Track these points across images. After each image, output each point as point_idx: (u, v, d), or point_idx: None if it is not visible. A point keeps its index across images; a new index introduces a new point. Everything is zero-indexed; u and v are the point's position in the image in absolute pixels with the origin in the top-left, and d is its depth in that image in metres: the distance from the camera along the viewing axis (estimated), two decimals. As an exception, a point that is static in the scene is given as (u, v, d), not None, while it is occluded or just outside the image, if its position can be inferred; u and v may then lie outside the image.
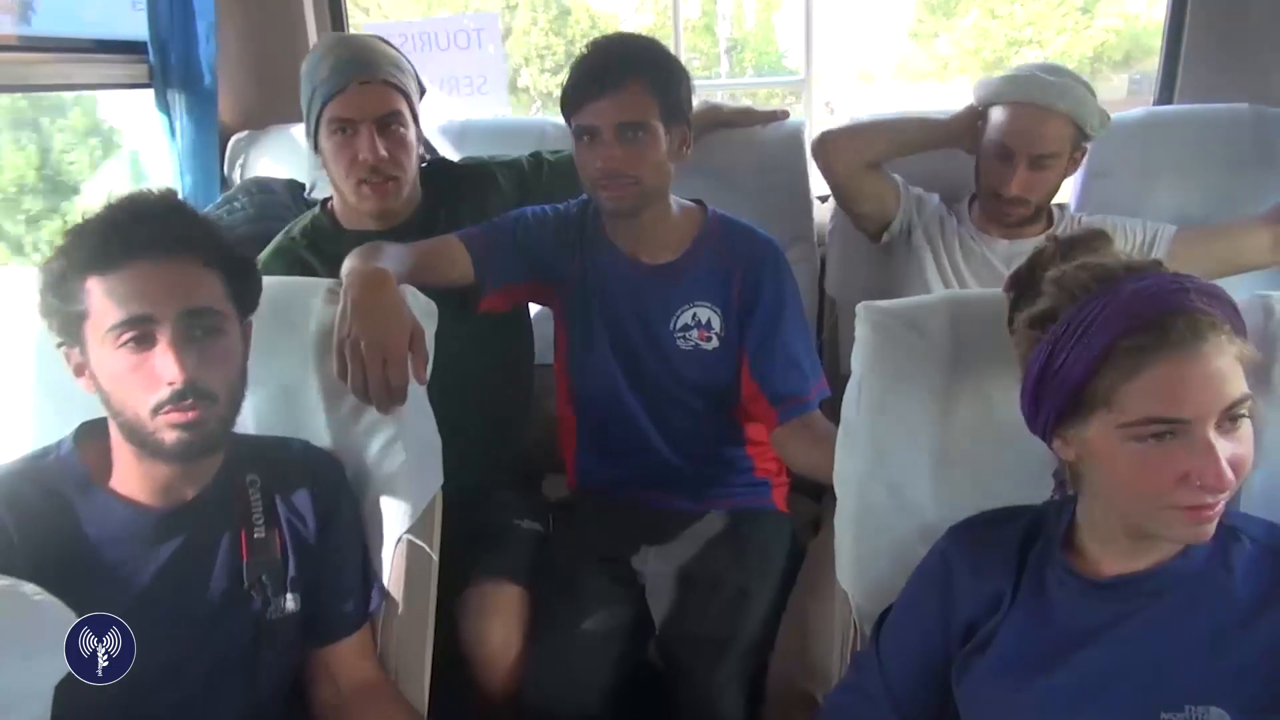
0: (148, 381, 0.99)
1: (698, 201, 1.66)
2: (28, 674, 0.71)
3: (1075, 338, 0.86)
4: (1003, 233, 1.79)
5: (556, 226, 1.63)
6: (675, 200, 1.62)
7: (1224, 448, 0.82)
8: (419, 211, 1.67)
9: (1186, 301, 0.83)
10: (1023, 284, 0.99)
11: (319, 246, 1.62)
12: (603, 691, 1.42)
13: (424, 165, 1.69)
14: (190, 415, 1.00)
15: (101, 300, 0.99)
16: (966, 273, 1.79)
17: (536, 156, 1.81)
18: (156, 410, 1.00)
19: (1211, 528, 0.86)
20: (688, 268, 1.59)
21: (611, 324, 1.61)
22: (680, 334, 1.59)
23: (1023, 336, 0.94)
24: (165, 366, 0.99)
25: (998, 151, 1.70)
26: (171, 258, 1.00)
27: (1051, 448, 0.95)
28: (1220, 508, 0.85)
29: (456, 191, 1.71)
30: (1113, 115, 1.74)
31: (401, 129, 1.55)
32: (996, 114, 1.71)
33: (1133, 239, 1.74)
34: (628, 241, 1.60)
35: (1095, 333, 0.85)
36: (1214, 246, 1.73)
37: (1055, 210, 1.82)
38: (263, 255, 1.60)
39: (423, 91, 1.64)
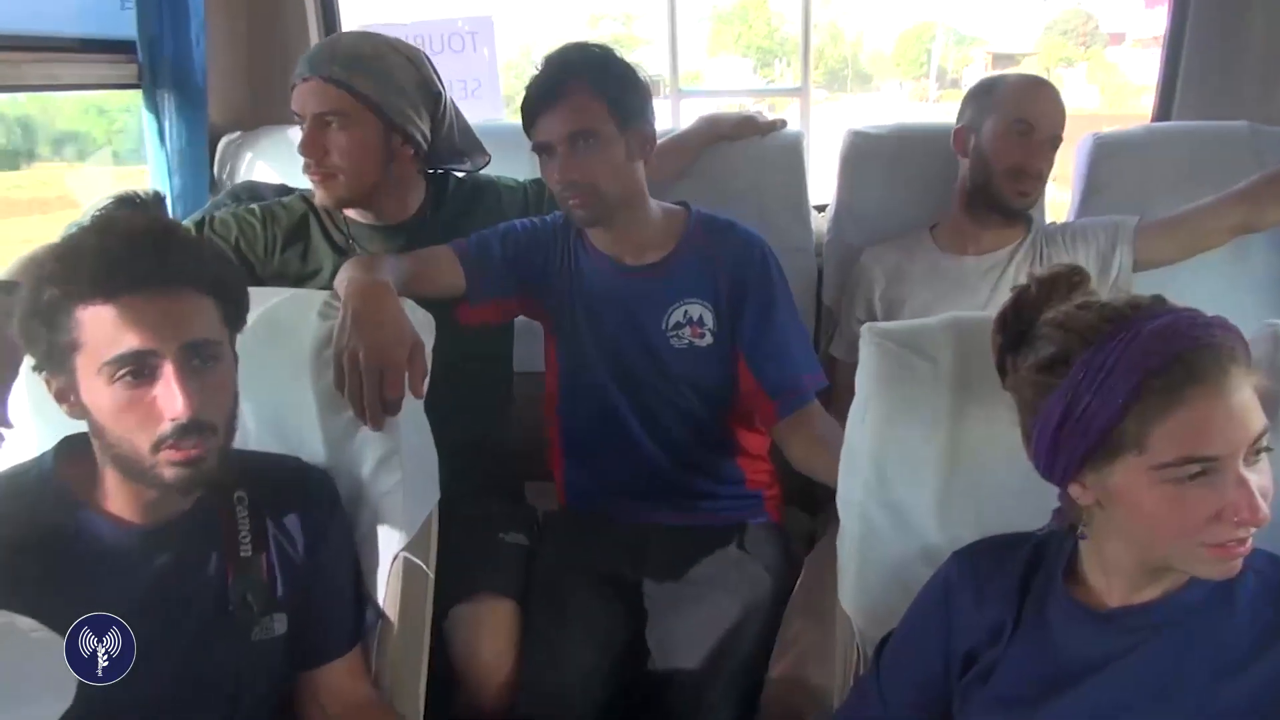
0: (147, 417, 0.96)
1: (681, 203, 1.65)
2: (28, 717, 0.68)
3: (1099, 381, 0.83)
4: (974, 249, 1.79)
5: (542, 237, 1.63)
6: (656, 203, 1.61)
7: (1252, 481, 0.81)
8: (415, 217, 1.65)
9: (1209, 336, 0.82)
10: (1012, 327, 0.95)
11: (322, 214, 1.64)
12: (595, 708, 1.40)
13: (432, 171, 1.68)
14: (192, 452, 0.97)
15: (97, 332, 0.95)
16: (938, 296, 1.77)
17: (539, 184, 1.79)
18: (158, 446, 0.97)
19: (1239, 563, 0.84)
20: (674, 266, 1.59)
21: (600, 330, 1.60)
22: (673, 333, 1.58)
23: (1026, 382, 0.91)
24: (169, 402, 0.95)
25: (1019, 129, 1.68)
26: (170, 289, 0.97)
27: (1066, 493, 0.92)
28: (1250, 543, 0.83)
29: (464, 201, 1.70)
30: (1110, 131, 1.75)
31: (340, 129, 1.51)
32: (1010, 91, 1.71)
33: (1095, 242, 1.73)
34: (610, 247, 1.60)
35: (1120, 375, 0.82)
36: (1179, 233, 1.70)
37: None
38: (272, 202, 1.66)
39: (436, 95, 1.60)
